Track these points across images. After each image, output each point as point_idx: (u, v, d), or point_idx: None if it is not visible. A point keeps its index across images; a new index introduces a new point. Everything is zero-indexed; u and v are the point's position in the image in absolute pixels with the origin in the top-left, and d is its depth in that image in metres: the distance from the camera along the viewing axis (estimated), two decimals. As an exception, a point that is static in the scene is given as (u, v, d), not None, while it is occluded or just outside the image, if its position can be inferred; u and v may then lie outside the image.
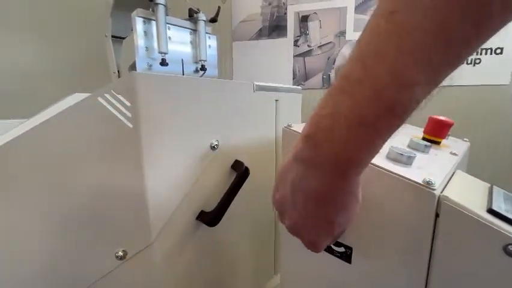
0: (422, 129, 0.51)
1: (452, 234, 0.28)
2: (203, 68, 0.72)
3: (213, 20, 0.73)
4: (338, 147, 0.21)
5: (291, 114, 0.75)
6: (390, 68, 0.18)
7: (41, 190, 0.44)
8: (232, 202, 0.52)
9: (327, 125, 0.22)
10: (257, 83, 0.61)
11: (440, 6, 0.16)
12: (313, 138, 0.23)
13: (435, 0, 0.16)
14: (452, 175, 0.36)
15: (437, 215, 0.29)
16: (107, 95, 0.39)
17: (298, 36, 1.35)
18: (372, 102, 0.19)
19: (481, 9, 0.16)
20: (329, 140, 0.22)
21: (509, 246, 0.24)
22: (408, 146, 0.42)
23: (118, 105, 0.39)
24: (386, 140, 0.22)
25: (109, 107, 0.39)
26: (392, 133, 0.21)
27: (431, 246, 0.29)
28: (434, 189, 0.28)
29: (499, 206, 0.27)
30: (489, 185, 0.35)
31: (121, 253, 0.44)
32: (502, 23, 0.17)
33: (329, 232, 0.28)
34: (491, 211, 0.26)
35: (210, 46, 0.74)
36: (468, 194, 0.31)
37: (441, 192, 0.29)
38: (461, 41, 0.17)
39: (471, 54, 0.18)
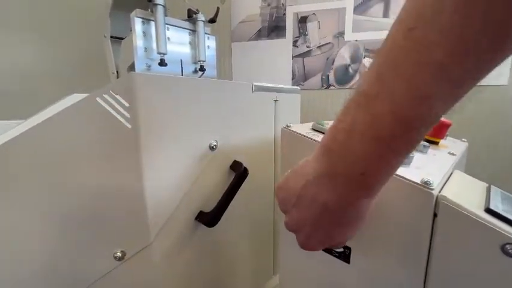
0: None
1: (450, 234, 0.28)
2: (202, 69, 0.72)
3: (212, 21, 0.73)
4: (352, 162, 0.21)
5: (290, 114, 0.75)
6: (408, 83, 0.18)
7: (39, 190, 0.44)
8: (231, 202, 0.52)
9: (342, 139, 0.22)
10: (256, 84, 0.61)
11: (458, 24, 0.16)
12: (329, 150, 0.23)
13: (452, 18, 0.16)
14: (450, 175, 0.36)
15: (435, 215, 0.29)
16: (105, 96, 0.39)
17: (297, 36, 1.35)
18: (389, 117, 0.19)
19: (498, 28, 0.16)
20: (343, 154, 0.22)
21: (507, 246, 0.24)
22: (407, 146, 0.42)
23: (117, 105, 0.39)
24: (404, 157, 0.21)
25: (107, 107, 0.39)
26: (411, 149, 0.21)
27: (429, 246, 0.30)
28: (432, 189, 0.28)
29: (497, 205, 0.27)
30: (487, 184, 0.35)
31: (119, 254, 0.44)
32: None
33: (324, 242, 0.28)
34: (488, 210, 0.27)
35: (208, 47, 0.74)
36: (466, 193, 0.31)
37: (440, 192, 0.29)
38: (479, 57, 0.17)
39: (491, 69, 0.18)
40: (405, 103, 0.18)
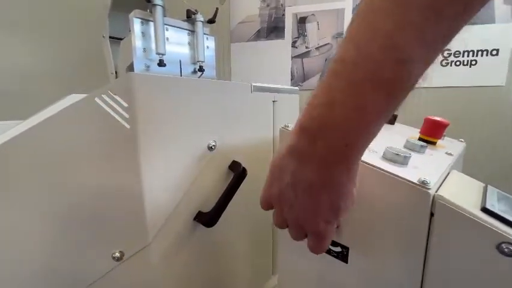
0: (418, 130, 0.51)
1: (447, 233, 0.28)
2: (201, 69, 0.72)
3: (211, 21, 0.74)
4: (335, 136, 0.21)
5: (289, 114, 0.76)
6: (385, 44, 0.18)
7: (37, 191, 0.44)
8: (230, 203, 0.52)
9: (321, 114, 0.21)
10: (255, 84, 0.61)
11: None
12: (308, 130, 0.22)
13: None
14: (448, 175, 0.36)
15: (432, 214, 0.29)
16: (104, 96, 0.39)
17: (296, 37, 1.36)
18: (368, 82, 0.19)
19: None
20: (324, 129, 0.21)
21: (503, 245, 0.25)
22: (405, 147, 0.42)
23: (115, 106, 0.39)
24: (384, 122, 0.21)
25: (106, 107, 0.39)
26: (389, 115, 0.20)
27: (426, 245, 0.30)
28: (429, 189, 0.28)
29: (493, 204, 0.28)
30: (483, 184, 0.35)
31: (117, 254, 0.44)
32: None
33: (334, 218, 0.27)
34: (485, 210, 0.27)
35: (207, 47, 0.74)
36: (463, 193, 0.31)
37: (436, 192, 0.29)
38: (452, 13, 0.17)
39: (461, 28, 0.18)
40: (384, 67, 0.18)
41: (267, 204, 0.31)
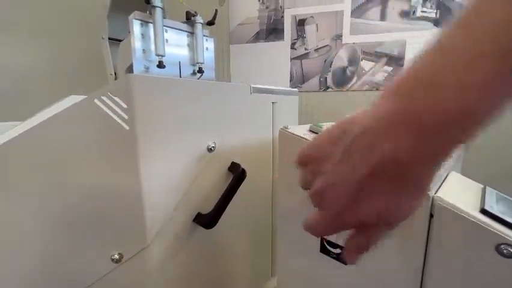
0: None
1: (446, 234, 0.28)
2: (200, 71, 0.72)
3: (210, 23, 0.74)
4: (446, 95, 0.15)
5: (288, 116, 0.76)
6: None
7: (36, 191, 0.44)
8: (229, 204, 0.52)
9: (431, 68, 0.16)
10: (254, 86, 0.61)
11: None
12: (405, 89, 0.17)
13: None
14: (446, 176, 0.36)
15: (431, 215, 0.29)
16: (103, 97, 0.39)
17: (295, 39, 1.36)
18: (504, 26, 0.13)
19: None
20: (431, 85, 0.16)
21: (501, 246, 0.25)
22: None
23: (115, 107, 0.39)
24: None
25: (105, 108, 0.39)
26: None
27: (426, 246, 0.30)
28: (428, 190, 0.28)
29: (492, 206, 0.28)
30: (482, 186, 0.36)
31: (116, 256, 0.44)
32: None
33: (379, 214, 0.19)
34: (483, 211, 0.27)
35: (207, 48, 0.74)
36: (461, 194, 0.31)
37: (436, 193, 0.29)
38: None
39: None
40: None
41: (301, 157, 0.22)
